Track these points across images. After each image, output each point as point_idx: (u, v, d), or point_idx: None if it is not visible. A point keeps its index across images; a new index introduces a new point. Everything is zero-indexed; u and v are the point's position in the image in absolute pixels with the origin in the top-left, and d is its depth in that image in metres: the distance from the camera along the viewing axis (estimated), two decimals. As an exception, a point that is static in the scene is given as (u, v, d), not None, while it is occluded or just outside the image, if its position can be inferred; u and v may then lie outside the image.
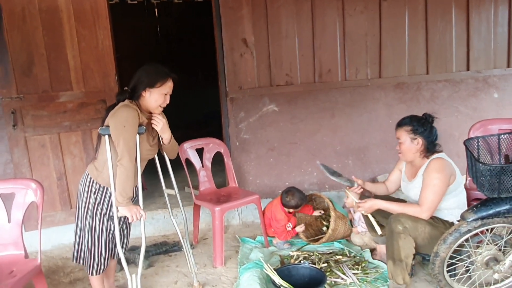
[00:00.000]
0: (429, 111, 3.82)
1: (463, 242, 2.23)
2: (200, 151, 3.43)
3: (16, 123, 3.21)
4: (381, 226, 2.57)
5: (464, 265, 2.33)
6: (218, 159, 3.56)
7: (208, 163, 3.43)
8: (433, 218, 2.38)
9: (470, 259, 2.29)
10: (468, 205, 2.43)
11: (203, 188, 3.38)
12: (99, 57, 3.33)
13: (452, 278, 2.35)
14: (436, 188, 2.31)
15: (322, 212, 3.39)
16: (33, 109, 3.25)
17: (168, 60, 7.60)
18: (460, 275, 2.36)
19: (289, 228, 3.26)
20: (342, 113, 3.83)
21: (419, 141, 2.44)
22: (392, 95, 3.86)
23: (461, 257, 2.29)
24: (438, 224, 2.36)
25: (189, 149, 3.34)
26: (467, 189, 2.59)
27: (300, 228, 3.26)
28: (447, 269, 2.30)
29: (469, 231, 2.18)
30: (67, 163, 3.40)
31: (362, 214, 2.67)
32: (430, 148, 2.46)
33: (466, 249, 2.27)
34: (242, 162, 3.76)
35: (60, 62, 3.26)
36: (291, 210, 3.25)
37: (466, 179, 2.81)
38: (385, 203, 2.46)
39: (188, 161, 3.34)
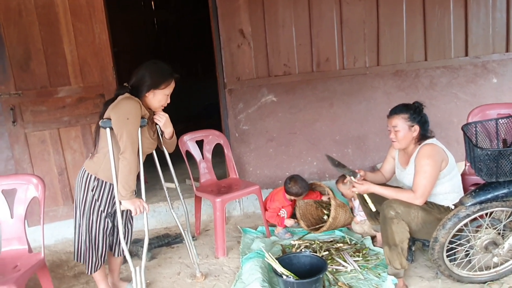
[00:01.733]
0: (428, 98, 3.89)
1: (462, 226, 2.25)
2: (200, 143, 3.44)
3: (15, 120, 3.22)
4: (377, 212, 2.59)
5: (464, 250, 2.35)
6: (218, 151, 3.57)
7: (208, 154, 3.44)
8: (427, 203, 2.39)
9: (470, 244, 2.32)
10: (467, 190, 2.44)
11: (203, 180, 3.40)
12: (96, 51, 3.32)
13: (452, 263, 2.37)
14: (428, 174, 2.31)
15: (329, 198, 3.38)
16: (32, 105, 3.26)
17: (166, 53, 7.60)
18: (460, 259, 2.39)
19: (282, 215, 3.28)
20: (341, 102, 3.83)
21: (416, 128, 2.44)
22: (391, 83, 3.85)
23: (461, 241, 2.31)
24: (432, 209, 2.37)
25: (189, 141, 3.35)
26: (466, 175, 2.61)
27: (289, 222, 3.27)
28: (447, 254, 2.32)
29: (468, 215, 2.19)
30: (68, 158, 3.42)
31: (357, 194, 2.69)
32: (424, 135, 2.47)
33: (465, 234, 2.29)
34: (242, 153, 3.77)
35: (57, 57, 3.26)
36: (292, 198, 3.27)
37: (465, 165, 2.82)
38: (379, 187, 2.47)
39: (188, 153, 3.35)
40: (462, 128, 2.36)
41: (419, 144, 2.45)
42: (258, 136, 3.77)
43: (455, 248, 2.33)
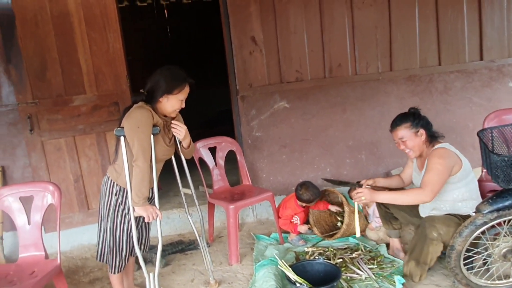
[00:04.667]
0: (443, 103, 3.86)
1: (479, 234, 2.20)
2: (213, 150, 3.46)
3: (32, 128, 3.28)
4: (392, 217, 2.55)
5: (482, 258, 2.30)
6: (230, 158, 3.58)
7: (221, 161, 3.45)
8: (457, 217, 2.36)
9: (487, 252, 2.27)
10: (484, 197, 2.40)
11: (217, 187, 3.41)
12: (110, 60, 3.38)
13: (469, 271, 2.32)
14: (438, 171, 2.30)
15: (338, 208, 3.37)
16: (48, 113, 3.32)
17: (179, 61, 7.67)
18: (478, 268, 2.34)
19: (295, 221, 3.26)
20: (354, 108, 3.81)
21: (422, 131, 2.45)
22: (404, 88, 3.82)
23: (478, 249, 2.26)
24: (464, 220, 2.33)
25: (202, 148, 3.37)
26: (483, 181, 2.56)
27: (303, 228, 3.24)
28: (464, 262, 2.28)
29: (485, 223, 2.15)
30: (83, 166, 3.47)
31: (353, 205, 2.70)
32: (432, 136, 2.48)
33: (483, 242, 2.24)
34: (255, 160, 3.77)
35: (72, 66, 3.32)
36: (304, 205, 3.25)
37: (482, 171, 2.78)
38: (386, 193, 2.46)
39: (201, 160, 3.37)
40: (478, 134, 2.32)
41: (432, 147, 2.45)
42: (271, 143, 3.77)
43: (473, 256, 2.29)
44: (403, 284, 2.36)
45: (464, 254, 2.24)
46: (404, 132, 2.46)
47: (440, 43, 3.78)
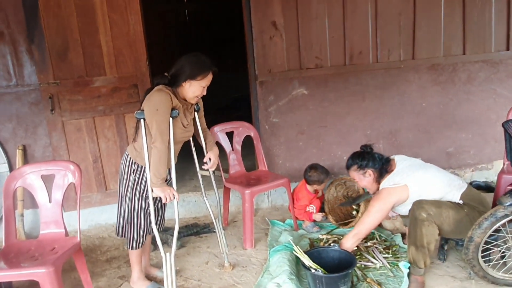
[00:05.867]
0: (465, 93, 3.78)
1: (499, 227, 2.17)
2: (229, 135, 3.46)
3: (53, 108, 3.33)
4: None
5: (500, 251, 2.27)
6: (246, 143, 3.57)
7: (238, 146, 3.46)
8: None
9: (506, 245, 2.23)
10: (505, 189, 2.35)
11: (233, 171, 3.42)
12: (130, 42, 3.38)
13: (486, 264, 2.29)
14: (369, 215, 2.45)
15: (321, 216, 3.32)
16: (69, 94, 3.36)
17: (196, 45, 7.65)
18: (495, 260, 2.31)
19: (311, 210, 3.25)
20: (373, 96, 3.76)
21: (370, 172, 2.57)
22: (426, 77, 3.74)
23: (497, 242, 2.23)
24: (459, 207, 2.34)
25: (219, 133, 3.37)
26: (504, 173, 2.50)
27: (318, 216, 3.24)
28: (482, 254, 2.25)
29: (506, 216, 2.12)
30: (102, 147, 3.51)
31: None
32: (383, 172, 2.56)
33: (502, 234, 2.21)
34: (272, 146, 3.77)
35: (93, 48, 3.34)
36: (315, 187, 3.24)
37: (504, 163, 2.71)
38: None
39: (218, 144, 3.37)
40: (502, 125, 2.27)
41: (379, 184, 2.56)
42: (288, 129, 3.75)
43: (491, 249, 2.25)
44: (412, 272, 2.37)
45: (483, 247, 2.21)
46: (354, 174, 2.64)
47: (465, 31, 3.68)
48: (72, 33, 3.27)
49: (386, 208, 2.44)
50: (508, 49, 3.74)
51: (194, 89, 2.23)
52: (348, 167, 2.67)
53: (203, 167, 2.53)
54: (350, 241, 2.48)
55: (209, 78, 2.26)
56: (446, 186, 2.42)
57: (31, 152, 3.47)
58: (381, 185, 2.52)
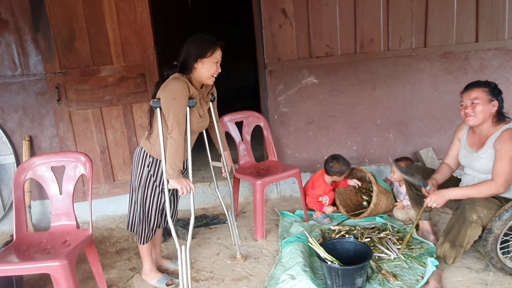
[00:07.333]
0: None
1: (519, 218, 2.13)
2: (239, 125, 3.41)
3: (60, 98, 3.28)
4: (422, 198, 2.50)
5: (519, 243, 2.24)
6: (254, 133, 3.52)
7: (247, 136, 3.41)
8: (496, 199, 2.26)
9: (526, 237, 2.20)
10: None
11: (242, 162, 3.38)
12: (138, 30, 3.32)
13: (504, 256, 2.26)
14: (511, 160, 2.17)
15: (357, 182, 3.29)
16: (76, 83, 3.30)
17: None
18: (514, 252, 2.28)
19: (324, 201, 3.21)
20: (384, 85, 3.69)
21: (495, 103, 2.30)
22: (438, 65, 3.67)
23: (516, 234, 2.20)
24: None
25: (228, 123, 3.32)
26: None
27: (329, 209, 3.18)
28: (500, 246, 2.22)
29: (528, 207, 2.07)
30: (109, 137, 3.47)
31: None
32: (501, 115, 2.33)
33: (522, 226, 2.17)
34: (281, 136, 3.72)
35: (100, 36, 3.27)
36: (335, 178, 3.19)
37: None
38: (457, 191, 2.32)
39: (227, 135, 3.33)
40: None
41: (497, 125, 2.31)
42: (298, 119, 3.70)
43: (510, 241, 2.22)
44: (436, 266, 2.31)
45: (502, 238, 2.18)
46: (481, 94, 2.30)
47: (478, 18, 3.59)
48: (78, 21, 3.20)
49: None
50: (521, 36, 3.67)
51: (208, 67, 2.17)
52: (476, 85, 2.34)
53: (222, 175, 2.60)
54: (502, 189, 2.20)
55: (219, 53, 2.20)
56: None
57: (37, 143, 3.43)
58: (508, 125, 2.28)
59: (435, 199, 2.32)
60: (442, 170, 2.57)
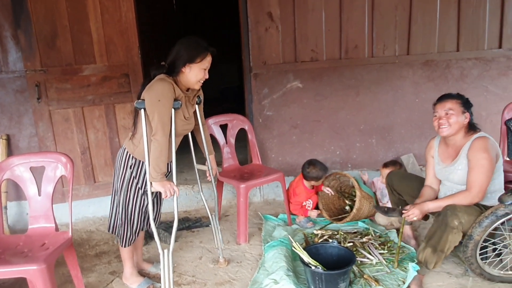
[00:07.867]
0: (458, 90, 3.70)
1: (498, 225, 2.18)
2: (223, 128, 3.39)
3: (40, 96, 3.19)
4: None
5: (497, 249, 2.29)
6: (237, 136, 3.50)
7: (232, 139, 3.39)
8: (480, 207, 2.31)
9: (504, 243, 2.25)
10: (505, 187, 2.36)
11: (226, 165, 3.36)
12: (122, 30, 3.27)
13: (483, 262, 2.31)
14: (485, 169, 2.23)
15: (330, 191, 3.29)
16: (57, 82, 3.22)
17: (183, 35, 7.51)
18: (492, 258, 2.32)
19: (308, 205, 3.22)
20: (368, 91, 3.73)
21: (467, 115, 2.38)
22: (420, 72, 3.74)
23: (495, 240, 2.24)
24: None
25: (213, 125, 3.30)
26: (504, 171, 2.52)
27: (313, 213, 3.22)
28: (479, 252, 2.26)
29: (507, 214, 2.13)
30: (91, 137, 3.40)
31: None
32: (472, 126, 2.41)
33: (500, 233, 2.22)
34: (264, 139, 3.72)
35: (83, 35, 3.21)
36: (312, 183, 3.21)
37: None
38: (433, 203, 2.38)
39: (212, 137, 3.30)
40: (505, 123, 2.27)
41: (469, 135, 2.37)
42: (282, 123, 3.70)
43: (488, 247, 2.27)
44: (417, 271, 2.34)
45: (481, 244, 2.22)
46: (455, 105, 2.37)
47: (460, 28, 3.67)
48: (61, 18, 3.13)
49: (494, 160, 2.26)
50: (500, 47, 3.76)
51: (196, 72, 2.13)
52: (451, 97, 2.42)
53: (207, 178, 2.59)
54: (477, 199, 2.26)
55: (208, 60, 2.16)
56: (501, 184, 2.38)
57: (15, 142, 3.33)
58: (477, 135, 2.35)
59: (413, 212, 2.38)
60: (425, 194, 2.58)
